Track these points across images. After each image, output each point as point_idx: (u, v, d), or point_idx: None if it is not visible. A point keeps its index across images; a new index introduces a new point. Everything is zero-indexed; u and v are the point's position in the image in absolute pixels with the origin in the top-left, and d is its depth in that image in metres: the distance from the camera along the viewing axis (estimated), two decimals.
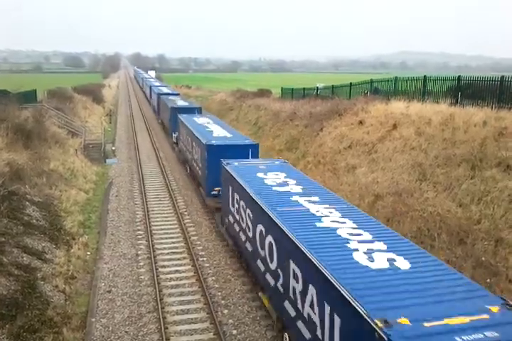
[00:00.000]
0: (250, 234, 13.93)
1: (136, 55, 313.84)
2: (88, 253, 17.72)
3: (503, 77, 20.28)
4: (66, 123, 36.73)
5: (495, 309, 7.15)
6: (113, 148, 37.61)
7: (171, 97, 47.74)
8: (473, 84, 22.20)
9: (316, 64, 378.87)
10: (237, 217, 15.55)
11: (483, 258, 13.78)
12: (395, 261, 8.73)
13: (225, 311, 13.84)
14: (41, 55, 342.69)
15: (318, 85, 44.57)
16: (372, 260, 8.73)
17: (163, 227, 20.54)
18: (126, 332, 12.76)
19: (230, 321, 13.32)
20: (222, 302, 14.35)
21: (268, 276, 12.14)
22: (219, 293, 14.87)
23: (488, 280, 13.11)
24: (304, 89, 44.05)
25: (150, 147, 39.95)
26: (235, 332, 12.80)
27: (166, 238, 19.33)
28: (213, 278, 15.93)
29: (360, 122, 26.05)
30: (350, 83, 34.63)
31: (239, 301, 14.42)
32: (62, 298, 13.84)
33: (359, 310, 7.14)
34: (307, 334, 9.44)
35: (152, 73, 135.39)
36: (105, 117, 54.22)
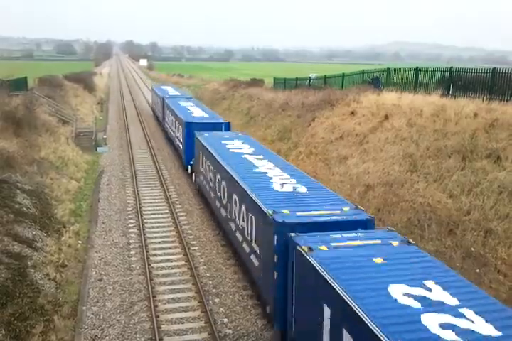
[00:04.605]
0: (212, 184, 18.38)
1: (128, 43, 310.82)
2: (79, 241, 17.68)
3: (494, 69, 20.33)
4: (57, 111, 36.42)
5: None
6: (104, 136, 37.39)
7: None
8: (465, 75, 22.25)
9: (310, 54, 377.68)
10: (204, 172, 20.35)
11: (472, 249, 13.93)
12: (297, 187, 13.30)
13: (216, 300, 13.91)
14: (32, 42, 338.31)
15: (311, 75, 44.45)
16: (282, 187, 13.32)
17: (154, 216, 20.56)
18: (117, 320, 12.80)
19: (221, 309, 13.41)
20: (214, 290, 14.43)
21: (222, 209, 16.78)
22: (210, 282, 14.95)
23: (477, 270, 13.27)
24: (296, 79, 43.93)
25: (141, 135, 39.76)
26: (225, 320, 12.89)
27: (158, 227, 19.36)
28: (204, 267, 16.01)
29: (352, 113, 26.06)
30: (343, 74, 34.59)
31: (230, 290, 14.49)
32: (53, 286, 13.84)
33: (261, 206, 11.61)
34: (240, 236, 14.28)
35: (144, 61, 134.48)
36: (96, 106, 53.83)
